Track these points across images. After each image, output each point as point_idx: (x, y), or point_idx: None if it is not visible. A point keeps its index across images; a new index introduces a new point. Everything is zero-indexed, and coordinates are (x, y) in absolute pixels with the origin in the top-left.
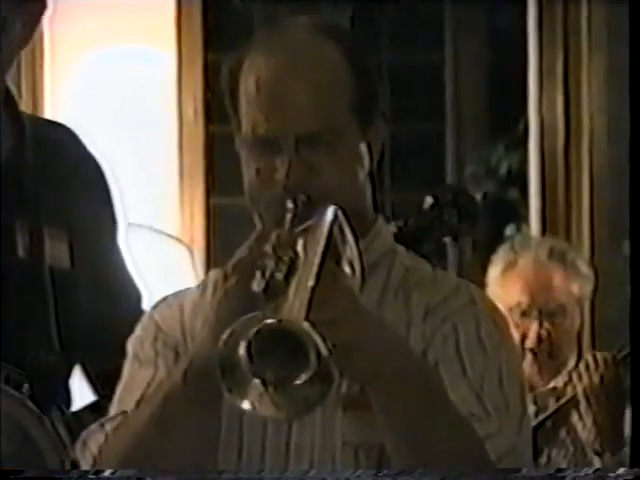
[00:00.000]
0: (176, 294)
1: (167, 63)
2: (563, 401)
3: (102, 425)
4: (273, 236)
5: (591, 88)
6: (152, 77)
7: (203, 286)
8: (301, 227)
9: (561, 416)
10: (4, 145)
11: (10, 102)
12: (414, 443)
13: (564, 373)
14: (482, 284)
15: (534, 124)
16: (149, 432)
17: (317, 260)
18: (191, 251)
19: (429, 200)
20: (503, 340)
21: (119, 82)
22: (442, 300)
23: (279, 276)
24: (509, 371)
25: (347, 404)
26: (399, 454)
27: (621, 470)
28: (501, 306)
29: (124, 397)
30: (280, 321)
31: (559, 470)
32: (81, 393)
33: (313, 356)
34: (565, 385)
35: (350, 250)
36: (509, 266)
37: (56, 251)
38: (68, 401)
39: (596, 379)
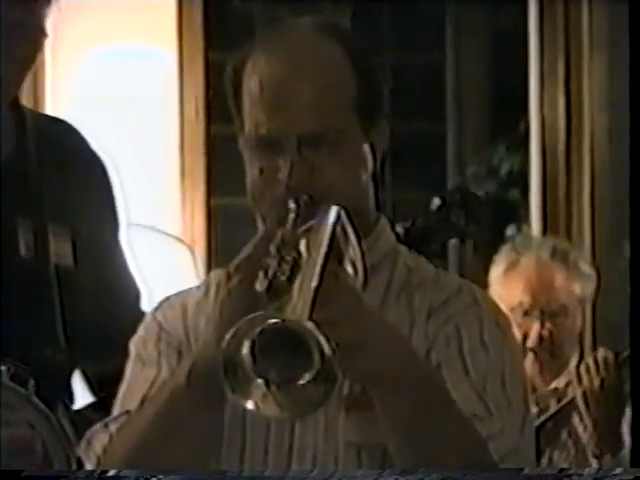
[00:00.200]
0: (179, 294)
1: (168, 62)
2: (564, 402)
3: (106, 425)
4: (276, 236)
5: (592, 88)
6: (153, 76)
7: (206, 286)
8: (304, 227)
9: (562, 417)
10: (7, 143)
11: (13, 101)
12: (416, 443)
13: (565, 373)
14: (484, 284)
15: (535, 124)
16: (153, 432)
17: (320, 260)
18: (192, 251)
19: (436, 201)
20: (506, 341)
21: (120, 81)
22: (445, 300)
23: (282, 276)
24: (512, 371)
25: (350, 404)
26: (401, 454)
27: (620, 470)
28: (503, 306)
29: (127, 397)
30: (284, 321)
31: (562, 470)
32: (82, 391)
33: (317, 356)
34: (566, 386)
35: (353, 250)
36: (511, 266)
37: (60, 249)
38: (71, 398)
39: (596, 382)
